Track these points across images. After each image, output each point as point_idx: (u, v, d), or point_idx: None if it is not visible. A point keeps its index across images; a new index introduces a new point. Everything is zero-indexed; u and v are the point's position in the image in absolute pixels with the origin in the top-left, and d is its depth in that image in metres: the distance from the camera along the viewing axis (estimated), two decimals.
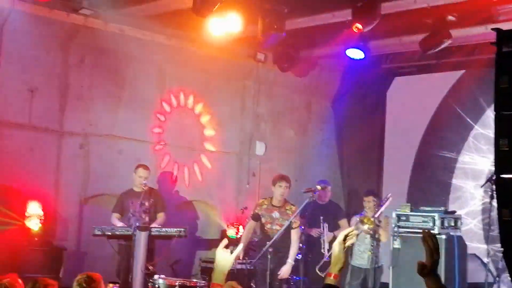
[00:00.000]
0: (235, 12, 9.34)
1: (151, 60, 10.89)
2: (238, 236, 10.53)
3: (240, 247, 4.18)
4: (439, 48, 9.55)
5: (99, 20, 10.05)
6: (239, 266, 9.32)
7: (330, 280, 3.79)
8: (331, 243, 9.65)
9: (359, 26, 8.97)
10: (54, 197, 9.95)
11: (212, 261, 10.16)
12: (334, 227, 10.20)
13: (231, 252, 4.19)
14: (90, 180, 10.27)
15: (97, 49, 10.33)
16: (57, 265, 9.13)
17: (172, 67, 11.18)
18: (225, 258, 4.13)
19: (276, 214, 9.22)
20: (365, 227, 8.76)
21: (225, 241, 4.17)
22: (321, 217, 9.63)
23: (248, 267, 9.30)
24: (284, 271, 9.01)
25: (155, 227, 9.28)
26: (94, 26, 10.07)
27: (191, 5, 8.88)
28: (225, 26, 9.48)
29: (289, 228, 8.96)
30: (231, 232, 10.83)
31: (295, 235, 9.05)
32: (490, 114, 10.67)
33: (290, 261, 9.00)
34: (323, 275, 9.44)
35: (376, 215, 8.91)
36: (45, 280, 5.38)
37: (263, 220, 9.28)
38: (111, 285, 5.77)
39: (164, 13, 10.05)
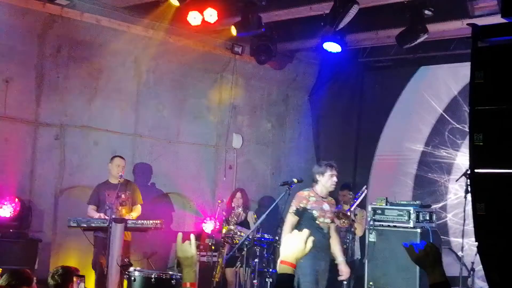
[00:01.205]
0: (213, 4, 9.33)
1: (127, 51, 10.84)
2: (213, 228, 10.51)
3: (193, 237, 3.98)
4: (416, 43, 9.59)
5: (75, 10, 9.97)
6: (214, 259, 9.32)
7: (288, 269, 3.45)
8: None
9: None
10: (29, 188, 9.88)
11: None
12: None
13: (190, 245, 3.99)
14: (66, 171, 10.21)
15: (73, 39, 10.26)
16: (32, 257, 9.07)
17: (148, 59, 11.13)
18: (188, 252, 3.93)
19: (326, 206, 8.41)
20: (340, 222, 8.80)
21: (180, 236, 3.98)
22: None
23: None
24: (346, 271, 8.34)
25: (131, 219, 9.25)
26: (70, 16, 9.98)
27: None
28: (202, 18, 9.46)
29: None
30: (208, 226, 10.80)
31: (335, 228, 8.58)
32: (465, 109, 10.75)
33: (342, 259, 8.41)
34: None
35: (352, 209, 8.94)
36: (24, 273, 5.34)
37: (315, 214, 8.31)
38: (75, 278, 5.75)
39: (141, 4, 10.01)
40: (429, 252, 3.48)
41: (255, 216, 10.54)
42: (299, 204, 8.30)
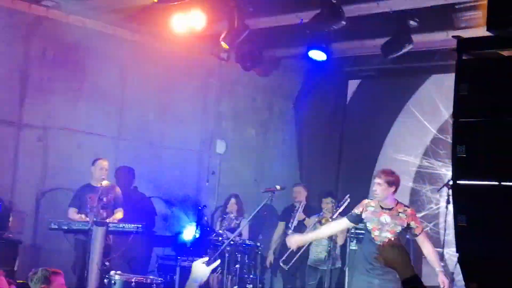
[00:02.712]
0: (199, 9, 9.33)
1: (113, 54, 10.81)
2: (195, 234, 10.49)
3: (218, 261, 4.08)
4: (400, 53, 9.64)
5: (61, 12, 9.95)
6: None
7: None
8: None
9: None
10: (11, 189, 9.83)
11: (169, 258, 10.22)
12: None
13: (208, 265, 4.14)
14: (48, 173, 10.17)
15: (59, 41, 10.22)
16: (12, 259, 9.02)
17: (134, 63, 11.11)
18: (201, 270, 4.07)
19: (386, 218, 7.38)
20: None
21: (205, 259, 4.12)
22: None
23: None
24: (447, 281, 7.33)
25: (112, 223, 9.23)
26: (56, 18, 9.97)
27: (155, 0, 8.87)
28: (188, 23, 9.47)
29: (404, 238, 7.68)
30: (188, 231, 10.79)
31: (424, 242, 7.45)
32: (448, 120, 10.81)
33: (440, 269, 7.34)
34: (286, 268, 9.59)
35: (334, 217, 8.91)
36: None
37: (369, 226, 7.46)
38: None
39: (128, 7, 10.00)
40: (400, 252, 3.53)
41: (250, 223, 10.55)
42: (355, 210, 7.62)
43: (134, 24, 10.55)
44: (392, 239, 7.02)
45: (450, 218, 8.81)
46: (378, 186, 7.37)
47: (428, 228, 11.05)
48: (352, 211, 7.67)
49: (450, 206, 8.56)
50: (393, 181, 7.38)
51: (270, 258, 10.90)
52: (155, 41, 10.94)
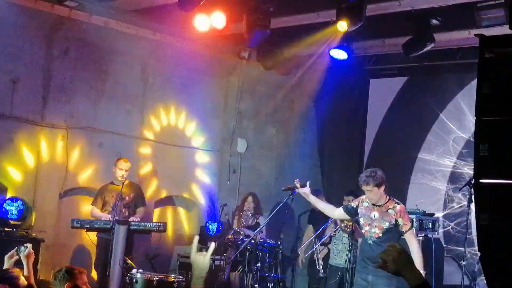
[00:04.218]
0: (220, 9, 9.36)
1: (135, 54, 10.87)
2: (215, 233, 10.50)
3: (212, 246, 4.04)
4: (422, 51, 9.61)
5: (84, 12, 10.01)
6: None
7: None
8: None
9: (344, 24, 8.96)
10: (33, 188, 9.91)
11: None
12: None
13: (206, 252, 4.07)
14: (70, 172, 10.23)
15: (81, 41, 10.29)
16: (35, 257, 9.07)
17: (155, 62, 11.16)
18: (200, 261, 4.01)
19: (375, 214, 7.51)
20: (343, 225, 8.76)
21: (196, 240, 4.04)
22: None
23: None
24: None
25: (134, 221, 9.28)
26: (78, 18, 10.03)
27: (176, 0, 8.89)
28: (210, 22, 9.49)
29: (393, 234, 7.48)
30: (211, 229, 10.81)
31: (411, 240, 7.40)
32: (471, 119, 10.75)
33: (423, 271, 6.79)
34: (303, 256, 9.63)
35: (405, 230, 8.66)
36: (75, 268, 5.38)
37: (361, 221, 7.63)
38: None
39: (150, 7, 10.05)
40: (400, 252, 3.41)
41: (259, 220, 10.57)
42: (352, 203, 7.86)
43: (155, 23, 10.60)
44: (380, 234, 7.36)
45: (472, 217, 8.78)
46: (369, 193, 7.48)
47: (450, 227, 11.01)
48: (349, 203, 7.95)
49: (472, 205, 8.54)
50: (381, 182, 7.47)
51: (302, 256, 10.80)
52: (177, 40, 10.99)
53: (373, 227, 7.46)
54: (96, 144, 10.52)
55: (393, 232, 7.43)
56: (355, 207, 7.73)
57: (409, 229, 7.41)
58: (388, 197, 7.56)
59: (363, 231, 7.57)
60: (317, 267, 9.71)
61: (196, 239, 3.89)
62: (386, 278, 7.24)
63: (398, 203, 7.55)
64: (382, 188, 7.50)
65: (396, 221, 7.39)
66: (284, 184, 9.47)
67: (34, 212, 9.51)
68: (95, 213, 9.56)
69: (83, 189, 10.28)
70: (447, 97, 11.42)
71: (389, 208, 7.47)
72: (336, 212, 8.12)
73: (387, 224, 7.40)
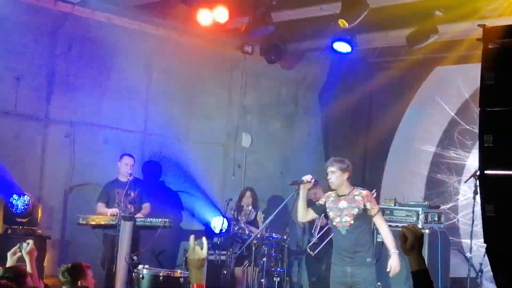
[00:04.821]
0: (223, 3, 9.35)
1: (138, 49, 10.86)
2: (223, 227, 10.51)
3: (205, 240, 3.97)
4: (426, 43, 9.58)
5: (87, 9, 10.00)
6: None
7: None
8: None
9: (344, 22, 8.99)
10: (39, 185, 9.93)
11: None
12: None
13: (201, 248, 4.01)
14: (75, 169, 10.23)
15: (84, 37, 10.30)
16: (41, 254, 9.10)
17: (159, 57, 11.16)
18: (199, 254, 3.95)
19: (343, 203, 7.56)
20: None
21: (192, 238, 4.00)
22: None
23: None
24: (394, 266, 7.46)
25: (140, 217, 9.28)
26: (81, 14, 10.02)
27: None
28: (213, 17, 9.48)
29: (364, 219, 7.59)
30: (216, 224, 10.82)
31: (380, 222, 7.61)
32: (475, 110, 10.73)
33: (394, 251, 7.41)
34: (313, 254, 9.64)
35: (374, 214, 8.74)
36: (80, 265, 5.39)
37: (330, 214, 7.66)
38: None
39: (152, 2, 10.04)
40: (417, 235, 3.54)
41: (263, 215, 10.56)
42: (319, 201, 7.95)
43: (158, 18, 10.59)
44: (352, 221, 7.45)
45: (478, 209, 8.76)
46: (332, 174, 7.62)
47: (456, 220, 11.00)
48: (317, 202, 8.01)
49: (478, 197, 8.52)
50: (346, 168, 7.63)
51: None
52: (180, 35, 10.99)
53: (343, 216, 7.54)
54: (101, 140, 10.53)
55: (364, 217, 7.55)
56: (322, 203, 7.81)
57: (377, 212, 7.58)
58: (352, 186, 7.71)
59: (334, 224, 7.63)
60: (312, 231, 9.72)
61: (192, 237, 3.84)
62: (364, 267, 7.45)
63: (363, 189, 7.71)
64: (346, 175, 7.62)
65: (365, 205, 7.50)
66: (290, 178, 9.48)
67: (40, 209, 9.52)
68: (101, 209, 9.57)
69: (89, 186, 10.29)
70: (452, 89, 11.39)
71: (355, 195, 7.58)
72: (309, 217, 8.13)
73: (357, 210, 7.49)
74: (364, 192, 7.63)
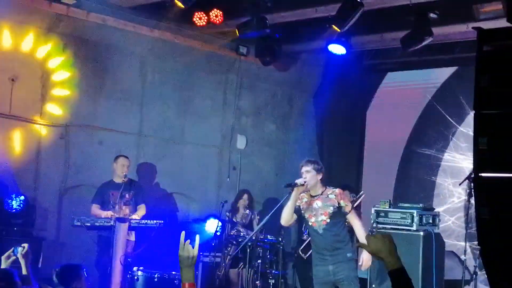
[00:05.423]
0: (218, 5, 9.35)
1: (133, 51, 10.86)
2: (218, 229, 10.51)
3: (198, 238, 3.96)
4: (420, 46, 9.60)
5: (82, 10, 9.99)
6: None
7: None
8: None
9: (336, 28, 9.06)
10: (34, 187, 9.91)
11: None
12: None
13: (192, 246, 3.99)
14: (70, 170, 10.23)
15: (79, 39, 10.28)
16: (36, 255, 9.09)
17: (154, 59, 11.16)
18: (190, 252, 3.93)
19: (317, 203, 7.63)
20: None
21: (183, 235, 3.98)
22: None
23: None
24: (366, 259, 7.62)
25: (134, 219, 9.28)
26: (76, 15, 10.01)
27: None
28: (208, 18, 9.48)
29: (339, 217, 7.65)
30: (211, 226, 10.81)
31: (354, 219, 7.66)
32: (470, 112, 10.74)
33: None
34: (305, 257, 9.62)
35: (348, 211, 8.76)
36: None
37: (306, 215, 7.71)
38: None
39: (147, 4, 10.04)
40: (386, 241, 3.59)
41: (258, 217, 10.57)
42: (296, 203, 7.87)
43: (153, 20, 10.58)
44: (328, 220, 7.53)
45: (472, 212, 8.77)
46: (307, 173, 7.66)
47: (450, 222, 11.01)
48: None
49: (473, 200, 8.53)
50: (320, 169, 7.72)
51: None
52: (175, 37, 10.98)
53: (319, 215, 7.61)
54: (96, 142, 10.52)
55: (339, 215, 7.62)
56: (297, 206, 7.78)
57: (351, 209, 7.67)
58: (325, 186, 7.78)
59: (310, 224, 7.68)
60: (302, 229, 9.81)
61: (183, 234, 3.82)
62: (345, 263, 7.53)
63: (335, 188, 7.80)
64: (320, 176, 7.70)
65: (339, 203, 7.60)
66: (285, 180, 9.49)
67: (35, 210, 9.50)
68: (96, 211, 9.55)
69: (84, 187, 10.27)
70: (446, 91, 11.41)
71: (329, 194, 7.67)
72: (292, 221, 8.02)
73: (332, 208, 7.57)
74: (337, 190, 7.74)
